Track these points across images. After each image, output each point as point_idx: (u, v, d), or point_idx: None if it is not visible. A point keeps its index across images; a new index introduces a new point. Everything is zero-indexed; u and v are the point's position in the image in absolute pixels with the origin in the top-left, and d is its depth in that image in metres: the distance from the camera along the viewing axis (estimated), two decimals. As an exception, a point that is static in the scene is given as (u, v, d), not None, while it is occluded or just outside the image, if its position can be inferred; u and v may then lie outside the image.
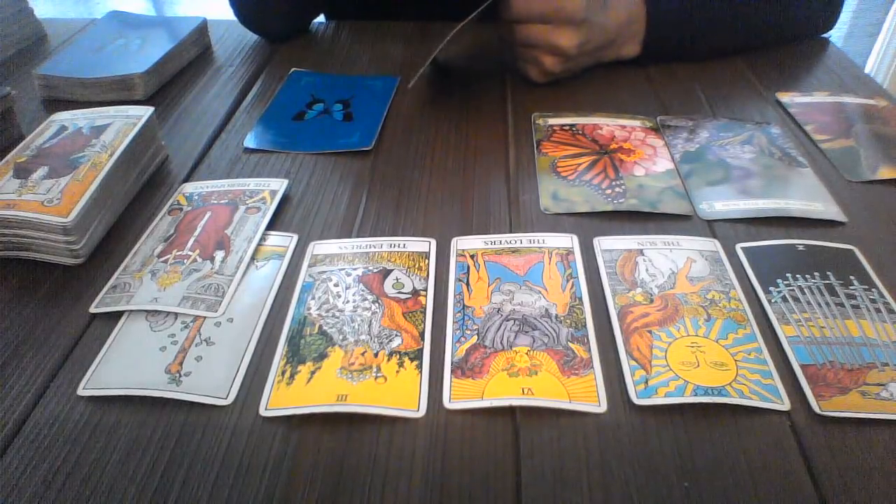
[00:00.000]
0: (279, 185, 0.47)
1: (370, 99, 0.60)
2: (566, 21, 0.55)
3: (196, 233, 0.43)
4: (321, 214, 0.46)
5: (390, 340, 0.35)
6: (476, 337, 0.36)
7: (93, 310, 0.38)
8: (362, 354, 0.35)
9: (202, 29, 0.70)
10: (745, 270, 0.40)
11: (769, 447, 0.30)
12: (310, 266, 0.41)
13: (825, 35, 0.71)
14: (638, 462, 0.30)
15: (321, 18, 0.81)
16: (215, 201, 0.46)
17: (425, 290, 0.39)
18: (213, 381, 0.33)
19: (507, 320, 0.37)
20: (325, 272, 0.40)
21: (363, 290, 0.39)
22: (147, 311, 0.37)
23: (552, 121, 0.56)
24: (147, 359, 0.35)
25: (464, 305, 0.38)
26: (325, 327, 0.36)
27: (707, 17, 0.62)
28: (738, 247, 0.42)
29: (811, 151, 0.52)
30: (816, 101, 0.58)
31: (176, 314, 0.37)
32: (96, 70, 0.60)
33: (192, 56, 0.68)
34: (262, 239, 0.43)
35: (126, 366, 0.34)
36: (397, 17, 0.77)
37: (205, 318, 0.37)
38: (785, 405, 0.32)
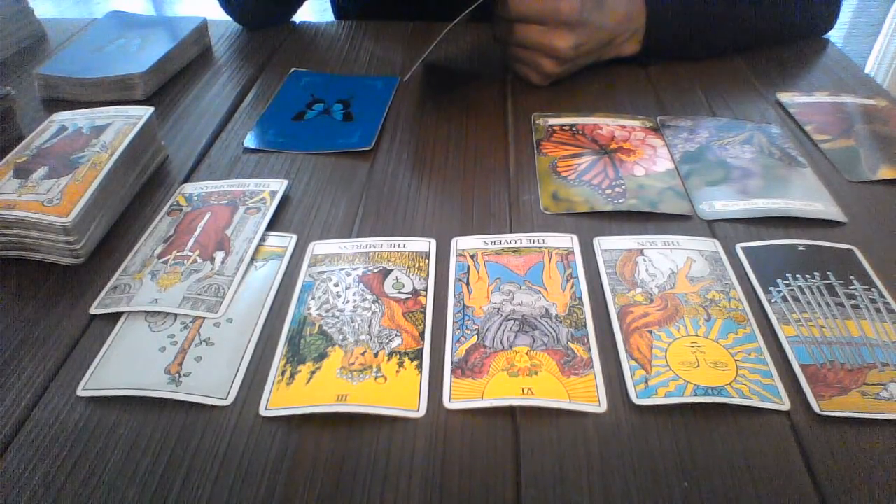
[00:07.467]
0: (279, 185, 0.47)
1: (370, 99, 0.60)
2: (562, 23, 0.55)
3: (196, 233, 0.43)
4: (321, 214, 0.46)
5: (390, 340, 0.35)
6: (476, 337, 0.36)
7: (93, 311, 0.38)
8: (362, 354, 0.35)
9: (202, 29, 0.70)
10: (745, 270, 0.40)
11: (769, 447, 0.30)
12: (310, 266, 0.41)
13: (825, 35, 0.71)
14: (638, 462, 0.30)
15: (327, 17, 0.81)
16: (215, 202, 0.46)
17: (425, 290, 0.39)
18: (212, 381, 0.33)
19: (507, 320, 0.37)
20: (325, 272, 0.40)
21: (363, 290, 0.39)
22: (147, 312, 0.37)
23: (552, 121, 0.56)
24: (147, 359, 0.35)
25: (464, 305, 0.38)
26: (325, 327, 0.36)
27: (707, 16, 0.62)
28: (738, 247, 0.42)
29: (811, 151, 0.52)
30: (816, 101, 0.58)
31: (175, 314, 0.37)
32: (96, 70, 0.60)
33: (192, 56, 0.68)
34: (262, 239, 0.43)
35: (126, 366, 0.34)
36: (401, 17, 0.77)
37: (204, 318, 0.37)
38: (785, 405, 0.32)
